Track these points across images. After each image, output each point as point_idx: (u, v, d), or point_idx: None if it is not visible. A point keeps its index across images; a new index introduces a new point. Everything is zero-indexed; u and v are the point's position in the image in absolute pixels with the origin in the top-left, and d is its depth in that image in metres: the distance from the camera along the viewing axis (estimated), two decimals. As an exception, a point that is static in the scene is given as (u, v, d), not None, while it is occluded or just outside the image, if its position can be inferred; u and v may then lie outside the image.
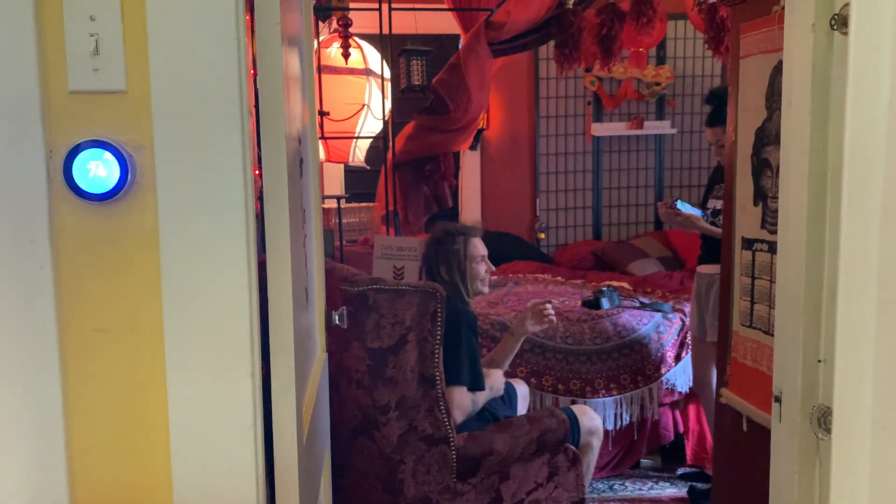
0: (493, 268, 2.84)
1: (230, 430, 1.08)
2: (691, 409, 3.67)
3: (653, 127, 5.50)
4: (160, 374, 1.07)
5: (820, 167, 1.20)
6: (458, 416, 2.44)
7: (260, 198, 1.21)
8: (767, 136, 1.78)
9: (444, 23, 4.41)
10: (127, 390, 1.08)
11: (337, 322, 1.97)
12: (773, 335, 1.79)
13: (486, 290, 2.78)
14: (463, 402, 2.46)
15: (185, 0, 1.03)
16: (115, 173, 1.04)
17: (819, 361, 1.22)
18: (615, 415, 3.43)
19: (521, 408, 2.81)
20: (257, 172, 1.33)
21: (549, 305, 2.80)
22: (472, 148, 5.25)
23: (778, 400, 1.31)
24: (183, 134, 1.04)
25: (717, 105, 3.19)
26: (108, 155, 1.03)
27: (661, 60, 5.43)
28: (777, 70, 1.73)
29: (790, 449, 1.26)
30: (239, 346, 1.06)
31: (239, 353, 1.07)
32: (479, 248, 2.74)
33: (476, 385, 2.48)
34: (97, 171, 1.03)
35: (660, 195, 5.61)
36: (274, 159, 1.12)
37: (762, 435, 1.82)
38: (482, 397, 2.54)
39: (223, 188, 1.04)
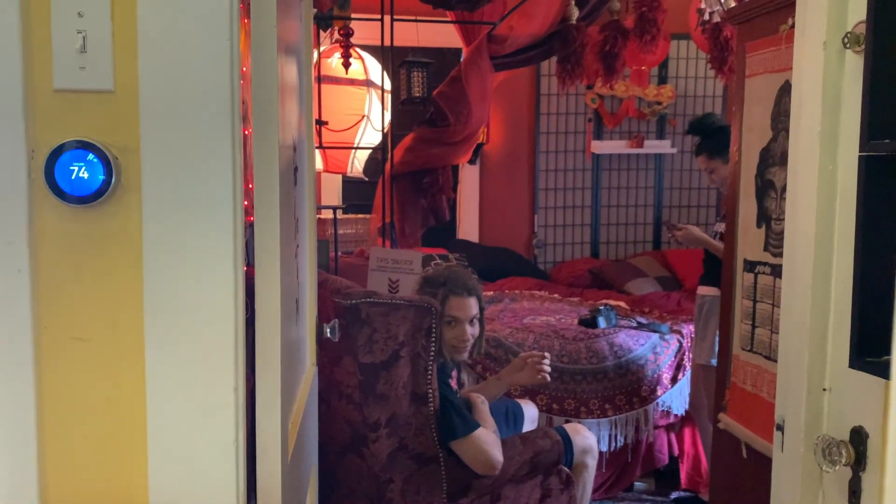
0: (481, 329, 2.50)
1: (211, 445, 1.03)
2: (686, 432, 3.62)
3: (653, 146, 5.48)
4: (139, 386, 1.02)
5: (829, 189, 1.16)
6: (499, 454, 2.28)
7: (250, 206, 1.17)
8: (772, 157, 1.75)
9: (447, 36, 4.39)
10: (104, 402, 1.03)
11: (328, 335, 1.93)
12: (774, 361, 1.75)
13: (461, 356, 2.45)
14: (489, 439, 2.28)
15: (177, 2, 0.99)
16: (98, 175, 1.00)
17: (824, 390, 1.18)
18: (609, 436, 3.38)
19: (528, 430, 2.67)
20: (249, 186, 1.29)
21: (545, 361, 2.57)
22: (472, 162, 5.21)
23: (780, 428, 1.26)
24: (171, 137, 1.00)
25: (702, 136, 3.21)
26: (92, 156, 0.99)
27: (662, 80, 5.42)
28: (784, 90, 1.70)
29: (793, 479, 1.22)
30: (222, 358, 1.02)
31: (222, 365, 1.02)
32: (463, 308, 2.39)
33: (474, 424, 2.31)
34: (80, 172, 0.99)
35: (659, 214, 5.58)
36: (266, 166, 1.08)
37: (762, 462, 1.78)
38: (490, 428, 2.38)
39: (211, 194, 1.00)
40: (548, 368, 2.55)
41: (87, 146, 0.99)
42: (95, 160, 1.00)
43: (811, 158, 1.18)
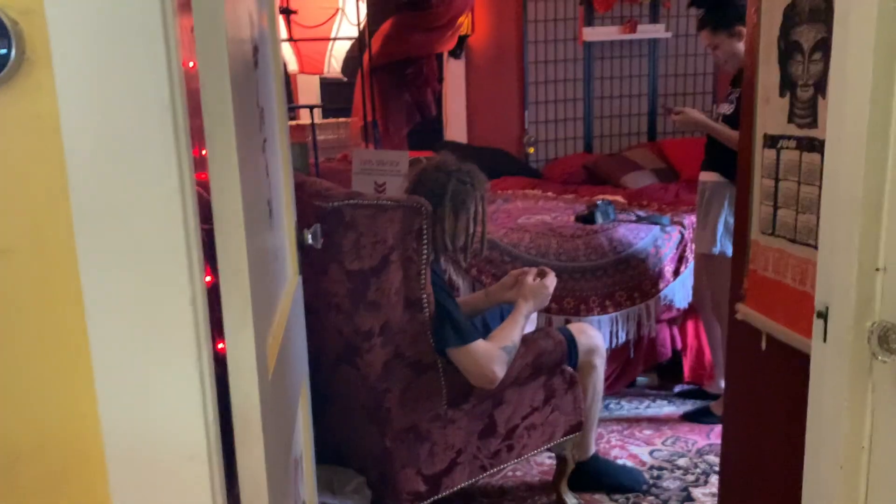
0: (483, 228, 2.32)
1: (169, 367, 0.88)
2: (689, 325, 3.53)
3: (647, 31, 5.19)
4: (76, 300, 0.85)
5: (890, 33, 0.97)
6: (500, 369, 2.12)
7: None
8: (799, 14, 1.54)
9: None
10: (37, 323, 0.86)
11: (310, 242, 1.76)
12: (800, 243, 1.59)
13: (468, 255, 2.30)
14: (490, 352, 2.13)
15: None
16: (-5, 46, 0.79)
17: (877, 270, 1.03)
18: (611, 333, 3.28)
19: (528, 331, 2.42)
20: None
21: (549, 280, 2.32)
22: (456, 56, 4.92)
23: (822, 316, 1.12)
24: (82, -9, 0.79)
25: (706, 7, 2.98)
26: (-16, 21, 0.79)
27: (656, -41, 5.08)
28: (814, -67, 1.48)
29: (837, 372, 1.08)
30: (172, 264, 0.85)
31: (173, 272, 0.85)
32: (469, 203, 2.22)
33: (469, 332, 2.14)
34: (-29, 42, 0.79)
35: (654, 104, 5.34)
36: (208, 17, 0.87)
37: (784, 353, 1.65)
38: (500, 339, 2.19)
39: (139, 55, 0.80)
40: (549, 281, 2.33)
41: (-24, 8, 0.79)
42: (-11, 26, 0.79)
43: (867, 1, 0.99)
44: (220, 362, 1.00)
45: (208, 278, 1.08)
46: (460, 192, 2.20)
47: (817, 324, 1.13)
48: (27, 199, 0.85)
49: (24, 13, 0.80)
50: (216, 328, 1.02)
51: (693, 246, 3.34)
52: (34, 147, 0.83)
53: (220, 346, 1.09)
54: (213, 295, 1.02)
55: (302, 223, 1.83)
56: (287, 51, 3.71)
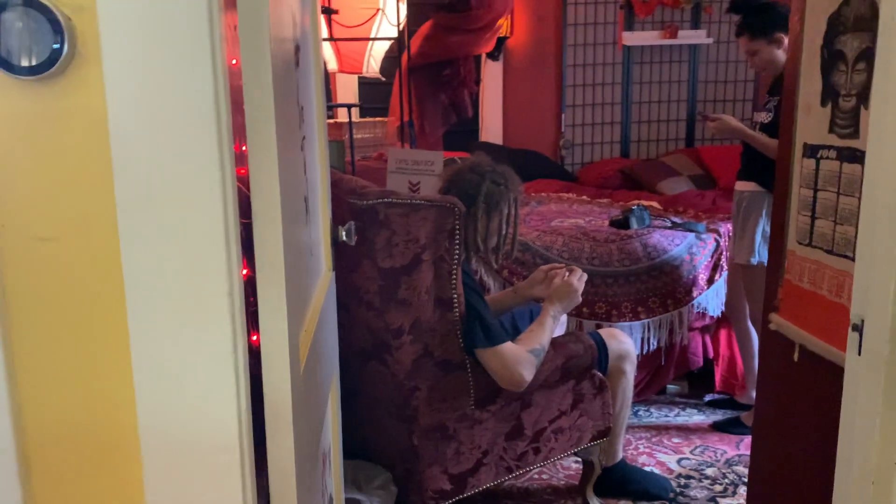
0: (515, 231, 2.32)
1: (205, 357, 0.90)
2: (722, 334, 3.49)
3: (687, 36, 5.13)
4: (118, 290, 0.88)
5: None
6: (528, 372, 2.12)
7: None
8: (844, 22, 1.52)
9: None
10: (78, 309, 0.89)
11: (344, 238, 1.78)
12: (837, 255, 1.57)
13: (499, 258, 2.29)
14: (518, 355, 2.12)
15: None
16: (49, 42, 0.82)
17: (916, 284, 1.01)
18: (642, 339, 3.26)
19: (556, 333, 2.41)
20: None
21: (576, 279, 2.30)
22: (494, 58, 4.92)
23: (858, 329, 1.10)
24: (133, -10, 0.82)
25: (746, 13, 2.95)
26: (39, 17, 0.82)
27: (699, -37, 5.03)
28: (861, -60, 1.46)
29: (872, 385, 1.07)
30: (212, 256, 0.87)
31: (211, 264, 0.87)
32: (503, 205, 2.22)
33: (498, 333, 2.14)
34: (27, 37, 0.82)
35: (693, 110, 5.28)
36: (253, 25, 0.89)
37: (817, 365, 1.63)
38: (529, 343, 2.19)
39: (185, 53, 0.82)
40: (576, 281, 2.30)
41: (31, 4, 0.82)
42: (43, 22, 0.82)
43: (913, 5, 0.97)
44: (253, 354, 1.02)
45: (245, 271, 1.10)
46: (493, 193, 2.20)
47: (852, 336, 1.12)
48: (73, 189, 0.87)
49: (78, 10, 0.83)
50: (251, 320, 1.04)
51: (728, 255, 3.30)
52: (81, 139, 0.86)
53: (255, 338, 1.11)
54: (250, 288, 1.05)
55: (337, 220, 1.86)
56: (327, 50, 3.75)
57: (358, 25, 3.84)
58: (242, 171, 1.07)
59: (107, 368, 0.90)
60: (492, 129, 5.17)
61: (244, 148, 1.01)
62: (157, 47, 0.83)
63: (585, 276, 2.36)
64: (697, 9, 5.13)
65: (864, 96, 1.49)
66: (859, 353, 1.10)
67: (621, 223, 3.47)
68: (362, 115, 4.57)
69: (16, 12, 0.81)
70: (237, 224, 0.90)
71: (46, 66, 0.82)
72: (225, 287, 0.88)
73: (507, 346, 2.13)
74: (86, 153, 0.86)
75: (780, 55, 2.86)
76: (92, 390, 0.91)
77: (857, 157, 1.51)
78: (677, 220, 3.61)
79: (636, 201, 4.01)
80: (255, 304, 1.04)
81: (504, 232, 2.24)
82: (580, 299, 2.34)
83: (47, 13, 0.82)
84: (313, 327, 1.41)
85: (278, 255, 1.00)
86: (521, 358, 2.14)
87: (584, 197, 4.39)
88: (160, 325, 0.88)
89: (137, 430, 0.90)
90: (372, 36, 3.79)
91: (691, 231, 3.43)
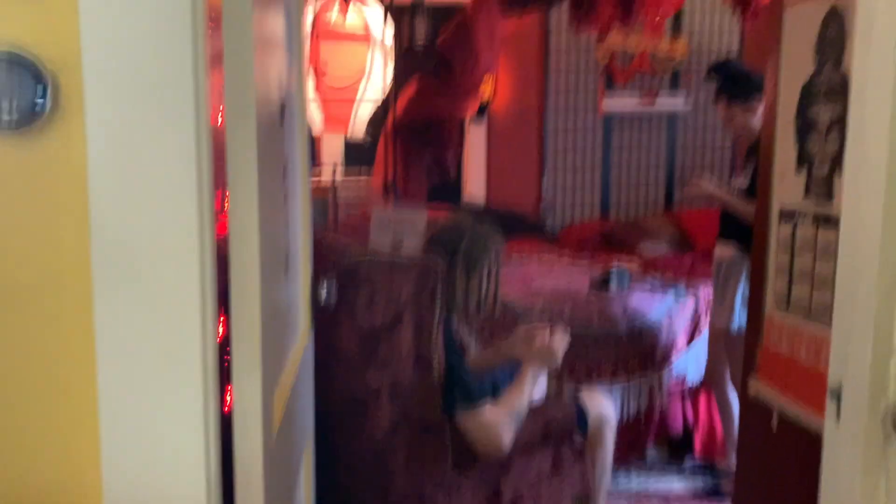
0: (496, 287, 2.31)
1: (174, 419, 0.88)
2: (702, 400, 3.47)
3: (666, 103, 5.26)
4: (88, 345, 0.86)
5: (904, 116, 0.99)
6: (507, 435, 2.07)
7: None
8: (816, 92, 1.56)
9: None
10: (46, 365, 0.87)
11: (324, 296, 1.77)
12: (815, 321, 1.58)
13: (481, 314, 2.31)
14: (497, 418, 2.08)
15: None
16: (31, 96, 0.82)
17: (893, 352, 1.02)
18: (622, 403, 3.23)
19: (535, 395, 2.35)
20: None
21: (556, 340, 2.25)
22: (478, 121, 5.00)
23: (836, 396, 1.10)
24: (119, 48, 0.82)
25: (724, 79, 3.03)
26: (23, 72, 0.82)
27: (676, 34, 5.19)
28: (830, 16, 1.51)
29: (850, 453, 1.06)
30: (186, 314, 0.86)
31: (186, 322, 0.86)
32: (484, 263, 2.22)
33: (478, 394, 2.11)
34: (8, 91, 0.82)
35: (671, 174, 5.38)
36: (238, 76, 0.90)
37: (796, 432, 1.62)
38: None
39: (169, 111, 0.82)
40: (557, 342, 2.25)
41: (17, 60, 0.82)
42: (28, 77, 0.82)
43: (883, 79, 1.00)
44: (225, 414, 1.00)
45: (222, 328, 1.09)
46: (474, 251, 2.20)
47: (830, 404, 1.12)
48: (50, 240, 0.86)
49: (63, 66, 0.84)
50: (225, 377, 1.02)
51: (707, 318, 3.31)
52: (59, 192, 0.85)
53: (228, 398, 1.09)
54: (226, 343, 1.03)
55: (318, 277, 1.85)
56: (314, 109, 3.80)
57: (345, 87, 3.90)
58: (223, 227, 1.07)
59: (73, 429, 0.87)
60: (475, 188, 5.22)
61: (226, 203, 1.01)
62: (141, 104, 0.83)
63: (567, 337, 2.34)
64: (676, 77, 5.27)
65: (837, 163, 1.53)
66: (838, 421, 1.10)
67: (601, 284, 3.48)
68: (347, 173, 4.61)
69: (0, 67, 0.81)
70: (214, 284, 0.89)
71: (28, 119, 0.83)
72: (198, 348, 0.87)
73: (487, 409, 2.11)
74: (63, 207, 0.85)
75: (756, 121, 2.93)
76: (56, 451, 0.88)
77: (832, 222, 1.53)
78: (657, 282, 3.63)
79: (616, 263, 4.04)
80: (230, 362, 1.02)
81: (485, 291, 2.24)
82: (560, 361, 2.32)
83: (32, 68, 0.82)
84: (289, 387, 1.39)
85: (255, 315, 0.99)
86: (500, 421, 2.11)
87: (565, 257, 4.42)
88: (130, 385, 0.86)
89: (101, 494, 0.87)
90: (358, 97, 3.85)
91: (670, 293, 3.45)
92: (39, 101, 0.83)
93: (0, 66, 0.81)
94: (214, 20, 0.96)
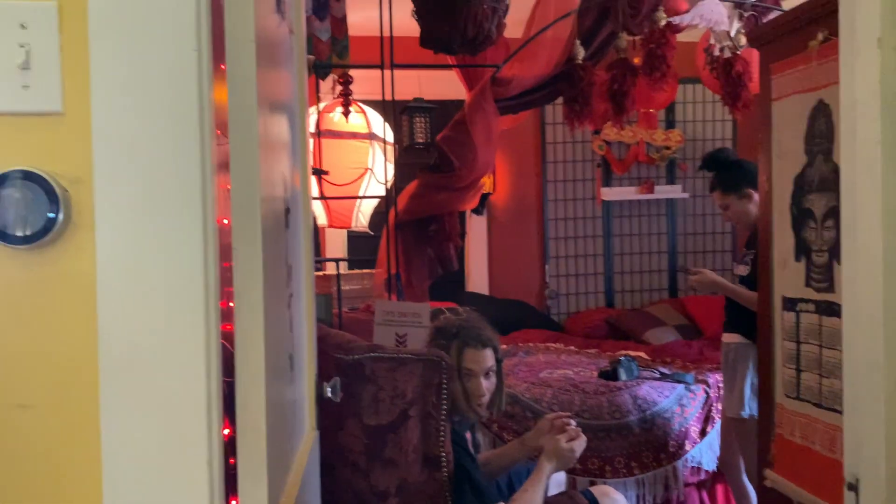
0: (500, 383, 2.26)
1: (179, 533, 0.86)
2: (719, 490, 3.38)
3: (664, 191, 5.35)
4: (94, 460, 0.85)
5: (895, 205, 1.01)
6: None
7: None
8: (809, 183, 1.59)
9: (449, 87, 4.30)
10: (52, 478, 0.86)
11: (329, 395, 1.75)
12: (826, 409, 1.56)
13: (479, 413, 2.20)
14: None
15: (135, 7, 0.86)
16: (44, 211, 0.85)
17: (907, 442, 1.00)
18: (637, 497, 3.15)
19: (551, 489, 2.33)
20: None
21: (578, 444, 2.16)
22: (479, 213, 5.08)
23: (853, 488, 1.08)
24: (129, 165, 0.86)
25: (718, 170, 3.09)
26: (36, 189, 0.85)
27: (670, 125, 5.33)
28: (818, 110, 1.56)
29: (874, 551, 1.03)
30: (191, 423, 0.85)
31: (192, 432, 0.85)
32: (478, 360, 2.16)
33: (490, 495, 2.08)
34: (23, 208, 0.85)
35: (674, 261, 5.41)
36: (245, 189, 0.93)
37: (818, 526, 1.58)
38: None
39: (177, 228, 0.85)
40: (578, 441, 2.18)
41: (31, 177, 0.85)
42: (41, 193, 0.85)
43: (871, 173, 1.03)
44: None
45: (227, 430, 1.08)
46: (469, 339, 2.19)
47: (848, 496, 1.09)
48: (55, 354, 0.87)
49: (75, 182, 0.86)
50: (230, 483, 1.00)
51: (719, 406, 3.26)
52: (68, 304, 0.87)
53: (233, 503, 1.06)
54: (230, 447, 1.02)
55: (322, 375, 1.84)
56: (317, 207, 3.87)
57: (347, 184, 3.98)
58: (228, 328, 1.08)
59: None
60: (478, 280, 5.25)
61: (231, 304, 1.02)
62: (150, 215, 0.86)
63: (585, 443, 2.26)
64: (672, 165, 5.38)
65: (835, 251, 1.54)
66: (858, 515, 1.07)
67: (610, 374, 3.45)
68: (350, 267, 4.64)
69: (15, 186, 0.84)
70: (220, 388, 0.89)
71: (41, 234, 0.85)
72: (204, 456, 0.86)
73: None
74: (72, 318, 0.86)
75: (752, 209, 2.96)
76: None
77: (834, 310, 1.54)
78: (665, 370, 3.60)
79: (624, 352, 4.01)
80: (235, 467, 1.01)
81: (453, 385, 2.18)
82: (576, 462, 2.27)
83: (45, 185, 0.85)
84: (294, 492, 1.36)
85: (260, 420, 0.98)
86: None
87: (572, 347, 4.39)
88: (136, 496, 0.85)
89: None
90: (360, 194, 3.92)
91: (680, 382, 3.41)
92: (51, 216, 0.85)
93: (15, 185, 0.84)
94: (221, 127, 1.00)
